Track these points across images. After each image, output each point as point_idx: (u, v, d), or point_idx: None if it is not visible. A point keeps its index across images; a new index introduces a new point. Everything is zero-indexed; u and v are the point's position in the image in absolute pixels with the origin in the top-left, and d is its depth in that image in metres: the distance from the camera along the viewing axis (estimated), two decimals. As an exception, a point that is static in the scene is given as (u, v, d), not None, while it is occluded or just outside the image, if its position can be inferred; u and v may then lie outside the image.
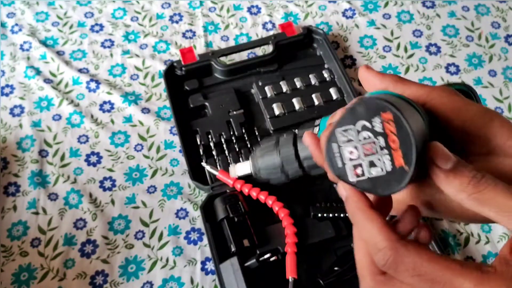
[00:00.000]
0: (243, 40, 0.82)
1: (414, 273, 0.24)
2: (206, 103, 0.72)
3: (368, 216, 0.26)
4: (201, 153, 0.68)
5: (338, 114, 0.30)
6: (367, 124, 0.25)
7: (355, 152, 0.25)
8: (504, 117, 0.28)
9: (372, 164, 0.25)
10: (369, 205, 0.27)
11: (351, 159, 0.26)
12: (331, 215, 0.60)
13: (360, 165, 0.25)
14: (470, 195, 0.25)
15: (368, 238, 0.26)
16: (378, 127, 0.25)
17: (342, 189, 0.27)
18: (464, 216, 0.29)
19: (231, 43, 0.82)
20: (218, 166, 0.66)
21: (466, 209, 0.26)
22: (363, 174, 0.25)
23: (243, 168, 0.53)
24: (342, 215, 0.60)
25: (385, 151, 0.25)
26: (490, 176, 0.25)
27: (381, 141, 0.25)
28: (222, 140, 0.69)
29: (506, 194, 0.24)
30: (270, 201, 0.60)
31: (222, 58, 0.76)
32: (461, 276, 0.24)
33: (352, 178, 0.26)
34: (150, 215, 0.65)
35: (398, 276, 0.25)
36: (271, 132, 0.70)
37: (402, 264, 0.25)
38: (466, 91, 0.34)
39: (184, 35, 0.83)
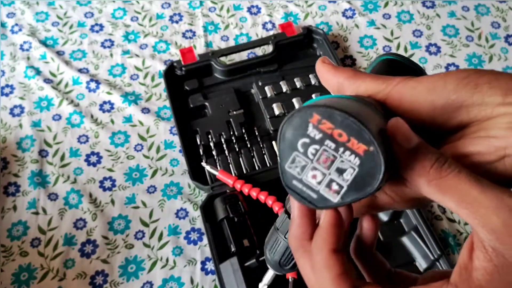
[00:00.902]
0: (243, 40, 0.82)
1: None
2: (206, 103, 0.72)
3: (328, 262, 0.25)
4: (201, 153, 0.68)
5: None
6: (305, 140, 0.23)
7: (317, 172, 0.23)
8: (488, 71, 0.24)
9: (340, 171, 0.23)
10: (334, 249, 0.25)
11: (319, 182, 0.23)
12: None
13: (331, 180, 0.23)
14: (430, 181, 0.23)
15: (320, 284, 0.25)
16: (316, 135, 0.23)
17: (322, 218, 0.26)
18: (410, 203, 0.27)
19: (231, 43, 0.82)
20: (218, 166, 0.66)
21: (416, 197, 0.25)
22: (341, 187, 0.23)
23: (267, 276, 0.48)
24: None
25: (341, 149, 0.22)
26: (455, 162, 0.23)
27: (329, 144, 0.23)
28: (222, 140, 0.69)
29: (470, 183, 0.22)
30: (270, 201, 0.60)
31: (222, 58, 0.76)
32: None
33: (334, 199, 0.23)
34: (150, 215, 0.65)
35: None
36: (271, 132, 0.70)
37: None
38: (399, 61, 0.31)
39: (184, 35, 0.83)
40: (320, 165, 0.23)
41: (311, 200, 0.24)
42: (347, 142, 0.22)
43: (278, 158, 0.24)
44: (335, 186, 0.23)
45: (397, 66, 0.31)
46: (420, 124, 0.25)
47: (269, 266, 0.40)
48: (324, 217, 0.25)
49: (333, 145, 0.23)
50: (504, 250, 0.21)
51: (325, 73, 0.28)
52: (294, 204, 0.26)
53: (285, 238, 0.35)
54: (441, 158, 0.23)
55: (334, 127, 0.22)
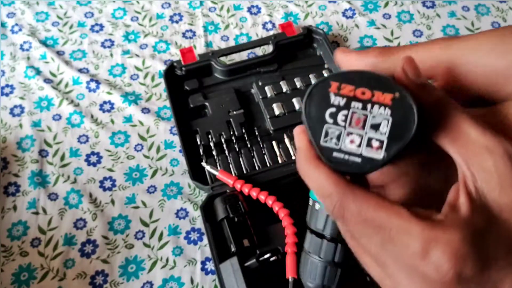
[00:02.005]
0: (243, 40, 0.82)
1: (359, 218, 0.23)
2: (206, 103, 0.72)
3: (315, 164, 0.24)
4: (201, 153, 0.68)
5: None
6: (332, 109, 0.23)
7: (354, 136, 0.23)
8: None
9: (375, 127, 0.23)
10: (315, 156, 0.25)
11: (359, 145, 0.23)
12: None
13: (370, 139, 0.23)
14: (434, 115, 0.23)
15: (317, 187, 0.25)
16: (340, 101, 0.23)
17: (295, 136, 0.26)
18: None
19: (231, 43, 0.82)
20: (218, 166, 0.66)
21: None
22: (381, 142, 0.23)
23: None
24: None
25: (369, 106, 0.23)
26: (459, 105, 0.23)
27: (356, 105, 0.23)
28: (222, 140, 0.69)
29: (471, 123, 0.23)
30: (270, 201, 0.60)
31: (222, 58, 0.76)
32: (409, 223, 0.22)
33: (380, 155, 0.23)
34: (150, 215, 0.65)
35: (346, 222, 0.24)
36: (271, 132, 0.70)
37: (348, 210, 0.23)
38: None
39: (184, 35, 0.83)
40: (354, 128, 0.23)
41: (357, 166, 0.23)
42: (372, 97, 0.22)
43: (310, 138, 0.24)
44: (375, 143, 0.23)
45: None
46: (466, 95, 0.26)
47: None
48: (298, 142, 0.26)
49: (360, 105, 0.23)
50: (488, 190, 0.22)
51: (350, 61, 0.27)
52: (298, 138, 0.26)
53: (320, 258, 0.34)
54: (446, 96, 0.23)
55: (354, 87, 0.23)
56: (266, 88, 0.73)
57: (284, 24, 0.80)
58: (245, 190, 0.62)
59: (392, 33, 0.83)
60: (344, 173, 0.24)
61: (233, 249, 0.58)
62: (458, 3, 0.86)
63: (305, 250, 0.34)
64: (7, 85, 0.77)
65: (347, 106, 0.23)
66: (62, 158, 0.69)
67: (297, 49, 0.79)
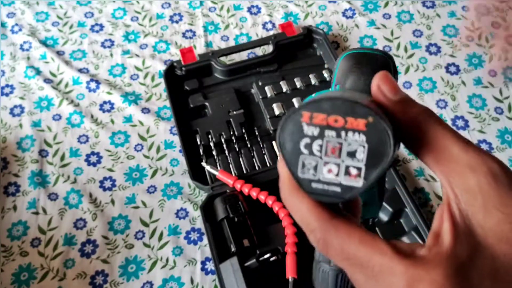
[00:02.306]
0: (243, 40, 0.82)
1: (343, 256, 0.22)
2: (206, 103, 0.72)
3: (298, 196, 0.24)
4: (201, 153, 0.68)
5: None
6: (306, 140, 0.23)
7: (331, 166, 0.23)
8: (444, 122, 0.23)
9: (352, 154, 0.22)
10: (298, 187, 0.24)
11: (337, 174, 0.23)
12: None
13: (347, 166, 0.22)
14: (415, 133, 0.22)
15: (301, 221, 0.24)
16: (314, 131, 0.22)
17: (279, 168, 0.25)
18: None
19: (231, 43, 0.82)
20: (218, 166, 0.66)
21: None
22: (359, 169, 0.22)
23: None
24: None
25: (343, 133, 0.22)
26: (442, 120, 0.22)
27: (330, 133, 0.22)
28: (222, 140, 0.69)
29: (453, 139, 0.21)
30: (270, 201, 0.60)
31: (222, 58, 0.76)
32: (392, 261, 0.21)
33: (358, 183, 0.22)
34: (150, 215, 0.65)
35: (331, 258, 0.23)
36: (271, 132, 0.70)
37: (332, 247, 0.23)
38: (361, 52, 0.30)
39: (184, 35, 0.83)
40: (330, 157, 0.22)
41: (337, 195, 0.23)
42: (345, 124, 0.22)
43: (288, 169, 0.23)
44: (353, 171, 0.22)
45: (361, 57, 0.30)
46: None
47: None
48: (280, 171, 0.25)
49: (333, 133, 0.22)
50: (472, 213, 0.21)
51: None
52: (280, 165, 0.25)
53: (331, 265, 0.33)
54: (427, 110, 0.23)
55: (326, 116, 0.22)
56: (266, 88, 0.73)
57: (284, 24, 0.80)
58: (245, 190, 0.62)
59: (392, 33, 0.83)
60: (325, 202, 0.24)
61: (233, 249, 0.58)
62: (458, 3, 0.86)
63: (316, 259, 0.34)
64: (7, 85, 0.77)
65: (321, 136, 0.22)
66: (62, 158, 0.69)
67: (297, 49, 0.79)
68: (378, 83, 0.23)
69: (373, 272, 0.22)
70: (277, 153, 0.24)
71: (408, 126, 0.23)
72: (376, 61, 0.30)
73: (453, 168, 0.21)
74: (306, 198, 0.23)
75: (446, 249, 0.21)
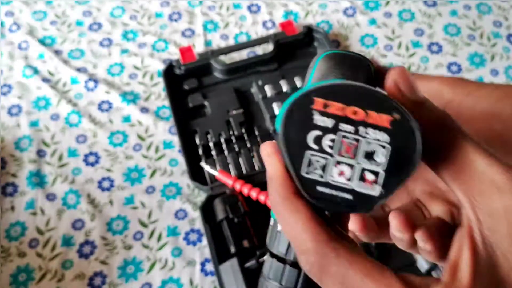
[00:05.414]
0: (243, 39, 0.82)
1: (341, 286, 0.19)
2: (206, 103, 0.71)
3: (293, 206, 0.20)
4: (200, 153, 0.67)
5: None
6: (315, 132, 0.19)
7: (343, 167, 0.19)
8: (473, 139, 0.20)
9: (369, 155, 0.19)
10: (294, 191, 0.20)
11: (349, 178, 0.19)
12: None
13: (363, 170, 0.19)
14: (433, 138, 0.19)
15: (292, 236, 0.20)
16: (326, 121, 0.19)
17: (266, 159, 0.21)
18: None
19: (231, 42, 0.81)
20: (217, 166, 0.66)
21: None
22: (376, 174, 0.19)
23: None
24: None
25: (361, 128, 0.18)
26: (463, 129, 0.19)
27: (346, 127, 0.19)
28: (222, 140, 0.68)
29: (476, 151, 0.18)
30: (270, 201, 0.60)
31: (222, 57, 0.76)
32: None
33: (375, 191, 0.19)
34: (149, 216, 0.64)
35: (323, 285, 0.20)
36: (271, 132, 0.70)
37: (328, 274, 0.19)
38: (340, 53, 0.27)
39: (183, 34, 0.82)
40: (344, 156, 0.19)
41: (347, 204, 0.19)
42: (366, 118, 0.18)
43: (288, 167, 0.19)
44: (370, 176, 0.19)
45: (342, 58, 0.27)
46: None
47: None
48: (271, 167, 0.21)
49: (350, 128, 0.18)
50: (496, 241, 0.18)
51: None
52: (269, 162, 0.21)
53: (281, 285, 0.29)
54: (449, 116, 0.19)
55: (344, 105, 0.18)
56: (266, 87, 0.73)
57: (284, 22, 0.80)
58: (245, 190, 0.61)
59: (393, 32, 0.82)
60: (330, 211, 0.20)
61: (233, 250, 0.57)
62: (459, 2, 0.85)
63: (263, 275, 0.30)
64: (4, 85, 0.76)
65: (335, 129, 0.19)
66: (60, 158, 0.69)
67: (297, 48, 0.78)
68: (395, 78, 0.20)
69: None
70: (278, 140, 0.19)
71: (425, 132, 0.19)
72: (358, 64, 0.27)
73: (476, 187, 0.18)
74: (303, 207, 0.20)
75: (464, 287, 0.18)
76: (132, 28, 0.83)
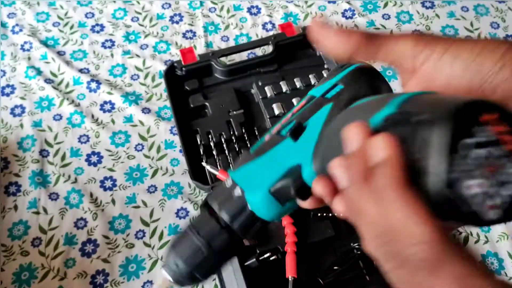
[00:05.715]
0: (243, 40, 0.82)
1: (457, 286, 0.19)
2: (206, 103, 0.72)
3: (411, 195, 0.19)
4: (202, 153, 0.68)
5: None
6: (468, 141, 0.19)
7: (475, 181, 0.19)
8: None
9: (501, 184, 0.19)
10: (409, 181, 0.20)
11: (474, 195, 0.19)
12: (331, 214, 0.61)
13: (490, 192, 0.19)
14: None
15: (400, 224, 0.19)
16: (484, 136, 0.19)
17: (384, 146, 0.20)
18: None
19: (231, 43, 0.82)
20: (218, 166, 0.67)
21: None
22: (503, 203, 0.19)
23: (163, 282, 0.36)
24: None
25: (504, 159, 0.19)
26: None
27: (494, 150, 0.19)
28: (222, 140, 0.69)
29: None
30: (270, 200, 0.61)
31: (222, 58, 0.76)
32: None
33: (491, 214, 0.19)
34: (151, 215, 0.65)
35: (432, 276, 0.19)
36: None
37: (443, 274, 0.19)
38: (375, 71, 0.29)
39: (184, 35, 0.83)
40: (481, 173, 0.19)
41: (473, 217, 0.19)
42: None
43: (423, 159, 0.19)
44: (494, 200, 0.19)
45: (373, 75, 0.29)
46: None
47: (169, 278, 0.32)
48: (384, 147, 0.21)
49: (498, 152, 0.19)
50: None
51: (329, 38, 0.24)
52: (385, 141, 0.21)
53: (209, 246, 0.30)
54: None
55: (507, 130, 0.19)
56: (266, 88, 0.73)
57: (284, 24, 0.81)
58: (245, 190, 0.62)
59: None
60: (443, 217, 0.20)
61: (233, 248, 0.58)
62: (457, 3, 0.86)
63: (193, 227, 0.31)
64: (8, 85, 0.77)
65: (486, 146, 0.19)
66: (63, 158, 0.70)
67: (297, 49, 0.79)
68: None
69: None
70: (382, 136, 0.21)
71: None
72: (378, 79, 0.29)
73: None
74: (421, 200, 0.19)
75: None
76: (134, 30, 0.84)
